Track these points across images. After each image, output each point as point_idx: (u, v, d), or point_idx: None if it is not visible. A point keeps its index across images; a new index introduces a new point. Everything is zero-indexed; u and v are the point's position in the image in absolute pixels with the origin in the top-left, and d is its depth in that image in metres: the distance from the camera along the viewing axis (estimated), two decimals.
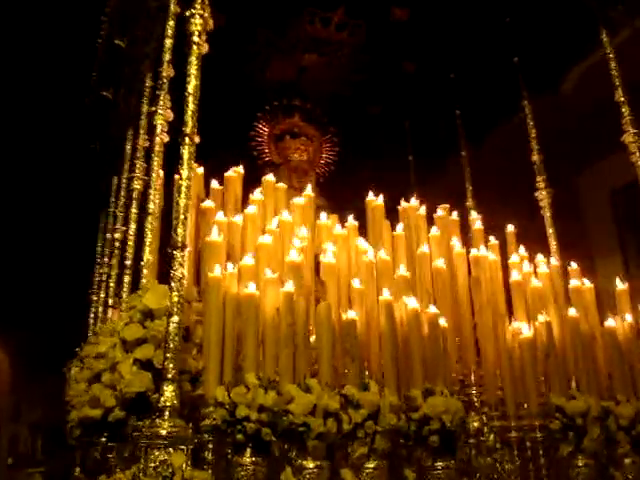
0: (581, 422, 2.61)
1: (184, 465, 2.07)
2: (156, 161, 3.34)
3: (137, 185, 4.01)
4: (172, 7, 3.35)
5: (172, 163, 3.40)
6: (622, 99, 3.62)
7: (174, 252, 2.40)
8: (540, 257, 3.58)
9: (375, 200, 3.60)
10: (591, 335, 3.02)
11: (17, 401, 6.64)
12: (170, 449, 2.11)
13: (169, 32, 3.47)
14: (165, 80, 3.49)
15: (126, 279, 3.75)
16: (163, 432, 2.14)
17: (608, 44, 3.73)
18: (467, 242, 3.62)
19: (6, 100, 5.70)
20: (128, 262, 3.77)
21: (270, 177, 3.70)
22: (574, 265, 3.44)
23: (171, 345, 2.26)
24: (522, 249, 3.63)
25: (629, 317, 3.08)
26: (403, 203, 3.70)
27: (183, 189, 2.50)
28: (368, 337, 2.71)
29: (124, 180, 4.57)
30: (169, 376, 2.23)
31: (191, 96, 2.66)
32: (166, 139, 3.42)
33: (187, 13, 2.85)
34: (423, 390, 2.47)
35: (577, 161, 5.36)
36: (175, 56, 3.50)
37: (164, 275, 2.73)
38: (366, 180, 4.62)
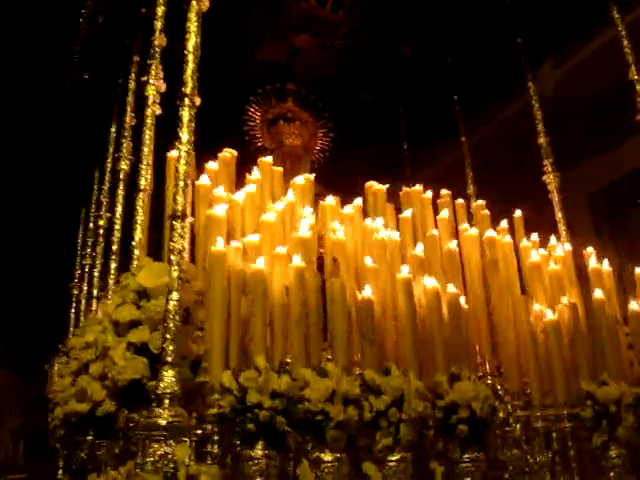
0: (615, 409, 2.37)
1: (188, 459, 1.79)
2: (147, 134, 3.05)
3: (124, 165, 3.73)
4: None
5: (161, 145, 3.16)
6: (636, 77, 3.42)
7: (174, 222, 2.12)
8: (554, 240, 3.36)
9: (375, 184, 3.36)
10: (615, 319, 2.79)
11: None
12: (171, 441, 1.83)
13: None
14: (157, 49, 3.22)
15: (113, 266, 3.46)
16: (163, 422, 1.86)
17: (620, 21, 3.52)
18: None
19: None
20: (115, 247, 3.49)
21: (268, 158, 3.44)
22: (590, 249, 3.22)
23: (171, 325, 1.98)
24: (534, 235, 3.40)
25: None
26: (405, 188, 3.46)
27: (183, 154, 2.22)
28: (384, 319, 2.44)
29: (109, 165, 4.28)
30: (168, 359, 1.95)
31: (191, 54, 2.39)
32: (158, 111, 3.14)
33: None
34: (448, 375, 2.21)
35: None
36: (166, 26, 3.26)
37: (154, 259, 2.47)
38: (359, 168, 4.37)
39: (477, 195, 4.32)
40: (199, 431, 1.93)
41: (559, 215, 3.82)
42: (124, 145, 3.74)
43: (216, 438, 2.00)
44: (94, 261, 4.26)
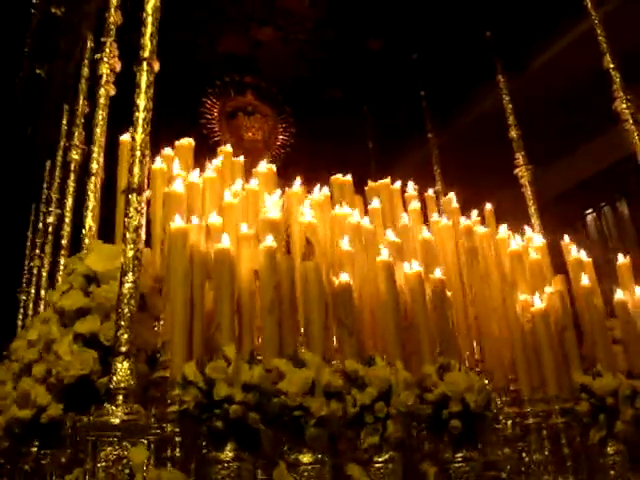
0: (612, 402, 2.14)
1: (146, 463, 1.49)
2: (100, 114, 2.75)
3: (75, 155, 3.40)
4: None
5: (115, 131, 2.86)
6: (612, 65, 3.26)
7: (129, 196, 1.83)
8: (529, 232, 3.17)
9: (341, 177, 3.12)
10: (602, 309, 2.59)
11: None
12: (126, 443, 1.53)
13: None
14: (112, 27, 2.93)
15: (62, 261, 3.12)
16: (116, 420, 1.56)
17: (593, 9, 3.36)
18: None
19: None
20: (64, 241, 3.15)
21: (227, 147, 3.18)
22: (567, 238, 3.04)
23: (126, 311, 1.69)
24: (504, 227, 3.20)
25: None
26: (371, 182, 3.23)
27: (140, 121, 1.94)
28: (361, 307, 2.18)
29: (59, 159, 3.94)
30: (123, 349, 1.66)
31: (150, 16, 2.13)
32: (112, 92, 2.84)
33: None
34: (437, 366, 1.96)
35: None
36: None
37: None
38: (324, 166, 4.13)
39: (445, 193, 4.12)
40: (158, 431, 1.63)
41: (532, 208, 3.64)
42: (75, 134, 3.41)
43: (177, 440, 1.70)
44: (42, 262, 3.91)
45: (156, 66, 2.07)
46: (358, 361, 1.87)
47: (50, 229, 3.81)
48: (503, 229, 3.09)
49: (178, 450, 1.68)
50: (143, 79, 2.02)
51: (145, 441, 1.56)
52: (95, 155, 2.67)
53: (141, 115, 1.97)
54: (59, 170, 3.90)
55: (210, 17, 4.08)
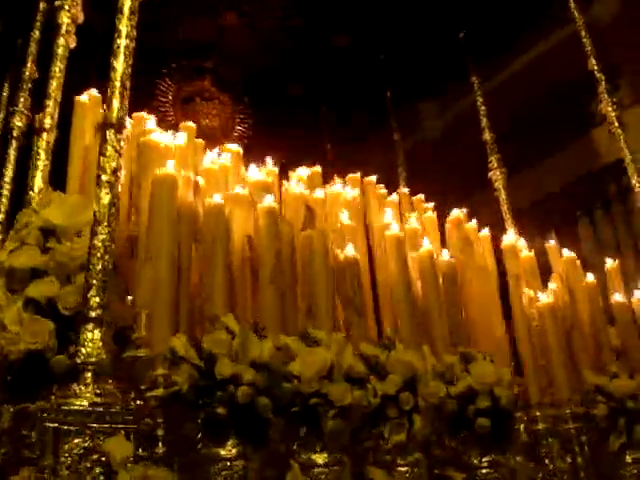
0: (633, 405, 1.89)
1: (128, 459, 1.09)
2: (58, 66, 2.31)
3: (18, 122, 2.90)
4: None
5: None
6: (595, 67, 3.10)
7: (107, 132, 1.44)
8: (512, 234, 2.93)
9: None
10: (602, 308, 2.36)
11: None
12: (99, 433, 1.13)
13: None
14: None
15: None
16: (84, 403, 1.16)
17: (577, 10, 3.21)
18: None
19: None
20: (1, 216, 2.67)
21: (190, 124, 2.82)
22: (552, 242, 2.83)
23: (99, 267, 1.30)
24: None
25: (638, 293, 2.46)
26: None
27: (122, 49, 1.57)
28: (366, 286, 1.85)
29: None
30: (93, 315, 1.27)
31: None
32: (73, 44, 2.42)
33: None
34: (459, 355, 1.64)
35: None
36: None
37: None
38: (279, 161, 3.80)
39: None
40: (143, 419, 1.23)
41: (507, 215, 3.41)
42: (21, 100, 2.94)
43: (160, 433, 1.30)
44: None
45: None
46: (374, 344, 1.54)
47: None
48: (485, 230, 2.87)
49: (161, 445, 1.28)
50: (126, 3, 1.65)
51: (123, 432, 1.17)
52: (50, 110, 2.23)
53: (123, 42, 1.59)
54: None
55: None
